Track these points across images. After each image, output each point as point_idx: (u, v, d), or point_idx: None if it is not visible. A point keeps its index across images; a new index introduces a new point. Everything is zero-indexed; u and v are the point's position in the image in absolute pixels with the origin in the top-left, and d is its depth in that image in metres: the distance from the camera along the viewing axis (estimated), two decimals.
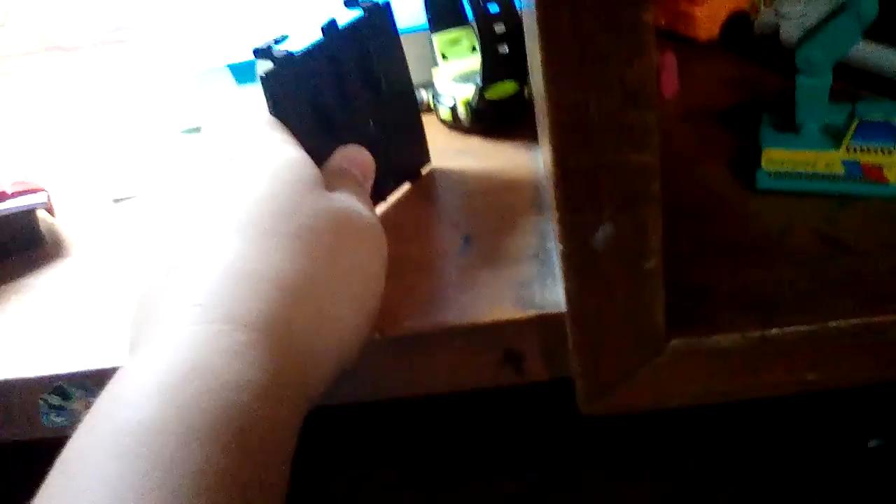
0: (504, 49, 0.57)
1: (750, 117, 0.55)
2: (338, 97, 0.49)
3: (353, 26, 0.49)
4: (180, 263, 0.39)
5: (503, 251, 0.48)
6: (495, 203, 0.53)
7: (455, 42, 0.64)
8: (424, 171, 0.57)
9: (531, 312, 0.44)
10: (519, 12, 0.56)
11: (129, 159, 0.65)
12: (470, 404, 0.69)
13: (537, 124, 0.55)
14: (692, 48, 0.67)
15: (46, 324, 0.49)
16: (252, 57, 0.46)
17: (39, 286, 0.53)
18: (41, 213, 0.56)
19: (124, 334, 0.39)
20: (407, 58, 0.54)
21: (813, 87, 0.49)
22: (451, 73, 0.62)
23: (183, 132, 0.66)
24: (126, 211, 0.59)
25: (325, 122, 0.48)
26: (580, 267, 0.39)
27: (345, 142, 0.49)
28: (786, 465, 0.70)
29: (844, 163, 0.48)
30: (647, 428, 0.70)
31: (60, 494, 0.31)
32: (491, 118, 0.59)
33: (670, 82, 0.61)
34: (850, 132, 0.48)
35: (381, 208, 0.53)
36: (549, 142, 0.36)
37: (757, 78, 0.63)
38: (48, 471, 0.32)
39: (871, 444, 0.70)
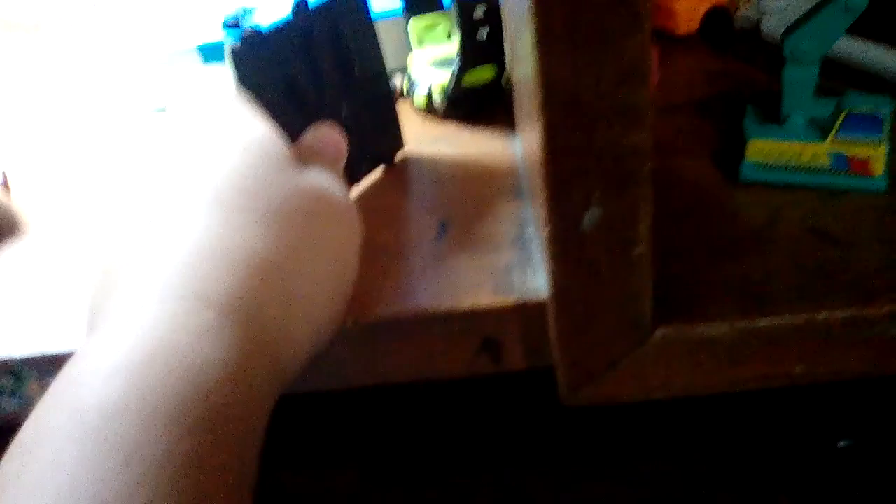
0: (482, 35, 0.56)
1: (732, 110, 0.54)
2: (309, 76, 0.47)
3: (326, 6, 0.48)
4: (145, 239, 0.37)
5: (481, 238, 0.47)
6: (472, 190, 0.51)
7: (431, 27, 0.62)
8: (398, 155, 0.55)
9: (510, 299, 0.42)
10: None
11: (98, 137, 0.62)
12: (442, 395, 0.67)
13: (515, 110, 0.53)
14: (671, 42, 0.67)
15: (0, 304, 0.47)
16: (220, 37, 0.44)
17: None
18: None
19: (82, 316, 0.37)
20: (382, 43, 0.52)
21: (800, 77, 0.48)
22: (426, 58, 0.61)
23: (157, 111, 0.64)
24: (87, 188, 0.57)
25: (295, 100, 0.47)
26: (566, 251, 0.37)
27: (316, 119, 0.47)
28: (753, 464, 0.70)
29: (830, 155, 0.47)
30: (625, 421, 0.69)
31: (15, 481, 0.29)
32: (467, 104, 0.58)
33: (652, 74, 0.60)
34: (837, 124, 0.47)
35: (354, 192, 0.52)
36: (538, 121, 0.34)
37: (737, 71, 0.62)
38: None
39: (841, 444, 0.70)
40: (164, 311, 0.33)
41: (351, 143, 0.47)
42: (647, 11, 0.32)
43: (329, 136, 0.46)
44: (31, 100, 0.68)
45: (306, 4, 0.46)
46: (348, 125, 0.49)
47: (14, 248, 0.52)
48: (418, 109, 0.61)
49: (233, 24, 0.44)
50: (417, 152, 0.56)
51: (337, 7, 0.48)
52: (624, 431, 0.69)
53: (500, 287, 0.43)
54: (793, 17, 0.58)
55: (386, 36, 0.53)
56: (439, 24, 0.62)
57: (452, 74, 0.57)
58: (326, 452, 0.70)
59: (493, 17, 0.55)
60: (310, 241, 0.39)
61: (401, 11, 0.62)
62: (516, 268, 0.44)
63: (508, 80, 0.57)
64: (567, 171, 0.35)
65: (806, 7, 0.55)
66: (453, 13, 0.55)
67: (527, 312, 0.42)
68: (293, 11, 0.46)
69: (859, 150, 0.47)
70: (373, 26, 0.51)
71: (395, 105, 0.54)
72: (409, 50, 0.63)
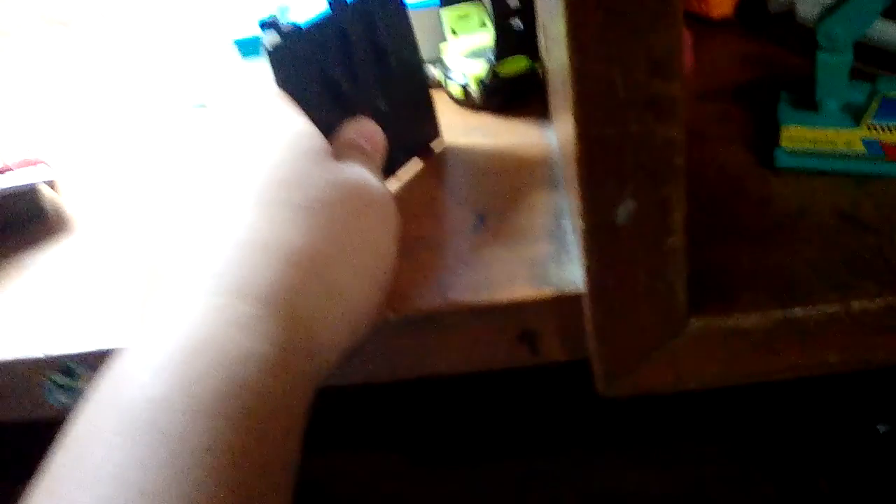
0: (517, 24, 0.56)
1: (766, 95, 0.54)
2: (345, 71, 0.48)
3: (362, 0, 0.48)
4: (190, 235, 0.38)
5: (517, 229, 0.47)
6: (508, 181, 0.52)
7: (464, 17, 0.63)
8: (434, 145, 0.56)
9: (547, 291, 0.43)
10: None
11: (140, 132, 0.63)
12: (476, 386, 0.68)
13: (550, 100, 0.54)
14: (706, 26, 0.66)
15: (51, 302, 0.48)
16: (257, 31, 0.45)
17: (42, 263, 0.52)
18: (44, 188, 0.55)
19: (130, 312, 0.38)
20: (418, 33, 0.52)
21: (834, 63, 0.48)
22: (461, 49, 0.61)
23: (195, 107, 0.65)
24: (132, 185, 0.58)
25: (333, 95, 0.47)
26: (601, 243, 0.38)
27: (353, 115, 0.48)
28: (794, 449, 0.70)
29: (865, 141, 0.47)
30: (654, 412, 0.69)
31: (66, 473, 0.30)
32: (503, 95, 0.58)
33: (685, 59, 0.60)
34: (871, 110, 0.47)
35: (391, 185, 0.52)
36: (572, 114, 0.35)
37: (772, 56, 0.61)
38: (50, 449, 0.31)
39: (881, 428, 0.70)
40: (208, 307, 0.34)
41: (388, 136, 0.48)
42: (680, 3, 0.32)
43: (367, 129, 0.47)
44: (72, 96, 0.69)
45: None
46: (385, 118, 0.49)
47: (64, 245, 0.53)
48: (454, 100, 0.61)
49: (270, 23, 0.44)
50: (454, 143, 0.56)
51: (372, 0, 0.49)
52: (660, 419, 0.69)
53: (537, 279, 0.43)
54: (826, 2, 0.58)
55: (420, 26, 0.54)
56: (473, 14, 0.62)
57: (488, 64, 0.57)
58: (370, 437, 0.72)
59: (528, 7, 0.55)
60: (348, 233, 0.39)
61: (435, 1, 0.63)
62: (553, 259, 0.45)
63: (542, 70, 0.57)
64: (601, 164, 0.36)
65: None
66: (487, 3, 0.55)
67: (564, 303, 0.43)
68: (330, 6, 0.47)
69: (894, 136, 0.47)
70: (408, 18, 0.52)
71: (430, 96, 0.55)
72: (443, 40, 0.63)
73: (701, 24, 0.66)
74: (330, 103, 0.47)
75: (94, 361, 0.44)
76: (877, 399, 0.70)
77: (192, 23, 0.69)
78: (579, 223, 0.38)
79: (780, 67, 0.59)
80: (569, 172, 0.40)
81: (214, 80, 0.65)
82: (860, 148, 0.48)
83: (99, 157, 0.62)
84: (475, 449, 0.70)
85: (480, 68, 0.58)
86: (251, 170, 0.40)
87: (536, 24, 0.56)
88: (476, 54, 0.60)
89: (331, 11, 0.47)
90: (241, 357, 0.33)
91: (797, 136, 0.48)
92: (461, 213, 0.50)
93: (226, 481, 0.30)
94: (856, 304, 0.40)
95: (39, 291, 0.49)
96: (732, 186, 0.49)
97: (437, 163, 0.55)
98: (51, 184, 0.55)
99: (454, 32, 0.63)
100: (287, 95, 0.44)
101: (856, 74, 0.48)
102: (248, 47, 0.64)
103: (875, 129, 0.47)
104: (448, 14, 0.62)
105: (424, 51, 0.54)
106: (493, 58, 0.57)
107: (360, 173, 0.42)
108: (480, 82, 0.58)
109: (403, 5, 0.51)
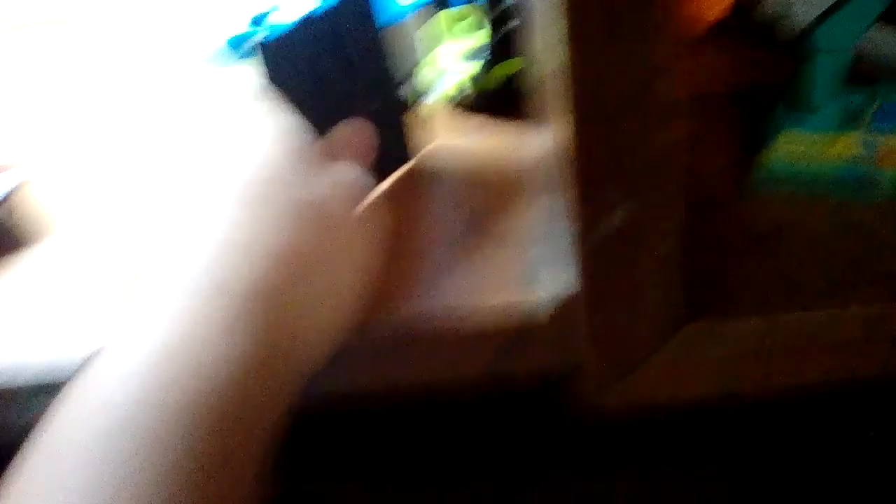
0: (512, 27, 0.56)
1: (762, 100, 0.54)
2: (339, 71, 0.47)
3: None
4: (171, 234, 0.38)
5: (508, 232, 0.47)
6: (501, 183, 0.51)
7: (460, 19, 0.62)
8: (422, 152, 0.55)
9: (538, 296, 0.42)
10: None
11: (122, 131, 0.63)
12: (446, 410, 0.67)
13: (545, 102, 0.53)
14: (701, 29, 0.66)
15: (34, 305, 0.47)
16: (247, 29, 0.44)
17: (18, 267, 0.51)
18: (18, 193, 0.54)
19: (109, 315, 0.37)
20: (413, 35, 0.52)
21: (831, 68, 0.48)
22: (456, 50, 0.61)
23: (184, 104, 0.64)
24: (111, 185, 0.57)
25: (325, 95, 0.47)
26: (595, 248, 0.37)
27: (344, 117, 0.47)
28: (784, 472, 0.69)
29: (862, 146, 0.47)
30: (624, 426, 0.69)
31: (39, 477, 0.30)
32: (496, 97, 0.58)
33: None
34: (869, 115, 0.47)
35: (383, 187, 0.52)
36: (568, 118, 0.34)
37: (768, 60, 0.61)
38: (22, 451, 0.31)
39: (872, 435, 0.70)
40: (187, 306, 0.34)
41: (381, 139, 0.48)
42: (678, 8, 0.32)
43: (358, 132, 0.47)
44: (57, 95, 0.68)
45: None
46: (379, 121, 0.49)
47: (39, 250, 0.52)
48: (449, 101, 0.61)
49: (263, 19, 0.44)
50: (447, 146, 0.56)
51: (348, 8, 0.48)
52: (633, 442, 0.68)
53: (528, 283, 0.43)
54: (822, 5, 0.58)
55: (416, 28, 0.53)
56: (468, 16, 0.62)
57: (482, 67, 0.57)
58: (335, 463, 0.71)
59: (524, 9, 0.55)
60: (332, 235, 0.39)
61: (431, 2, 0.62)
62: (544, 263, 0.44)
63: (538, 73, 0.57)
64: (597, 167, 0.35)
65: None
66: (483, 5, 0.55)
67: (555, 308, 0.42)
68: (322, 3, 0.46)
69: (891, 142, 0.46)
70: (400, 20, 0.51)
71: (418, 104, 0.54)
72: (439, 42, 0.63)
73: (697, 27, 0.66)
74: (322, 104, 0.47)
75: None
76: (867, 409, 0.70)
77: (181, 21, 0.68)
78: (574, 226, 0.37)
79: (776, 72, 0.59)
80: (563, 176, 0.40)
81: (204, 78, 0.64)
82: (857, 153, 0.47)
83: (79, 156, 0.61)
84: (443, 471, 0.69)
85: (475, 70, 0.58)
86: (238, 169, 0.39)
87: (532, 26, 0.56)
88: (471, 56, 0.59)
89: (321, 10, 0.46)
90: (220, 358, 0.32)
91: (794, 141, 0.48)
92: (452, 217, 0.49)
93: (201, 483, 0.30)
94: (852, 311, 0.40)
95: (16, 296, 0.48)
96: (729, 193, 0.48)
97: (430, 164, 0.55)
98: (24, 186, 0.54)
99: (450, 34, 0.62)
100: (278, 94, 0.44)
101: (854, 79, 0.48)
102: (239, 45, 0.64)
103: (872, 134, 0.47)
104: (444, 15, 0.62)
105: (417, 54, 0.53)
106: (488, 60, 0.57)
107: (349, 176, 0.42)
108: (473, 84, 0.58)
109: (375, 18, 0.50)
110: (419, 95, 0.55)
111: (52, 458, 0.30)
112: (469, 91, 0.58)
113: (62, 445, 0.30)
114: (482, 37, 0.57)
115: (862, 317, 0.40)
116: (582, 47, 0.32)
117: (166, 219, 0.39)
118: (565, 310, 0.42)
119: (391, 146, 0.51)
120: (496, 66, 0.57)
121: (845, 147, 0.47)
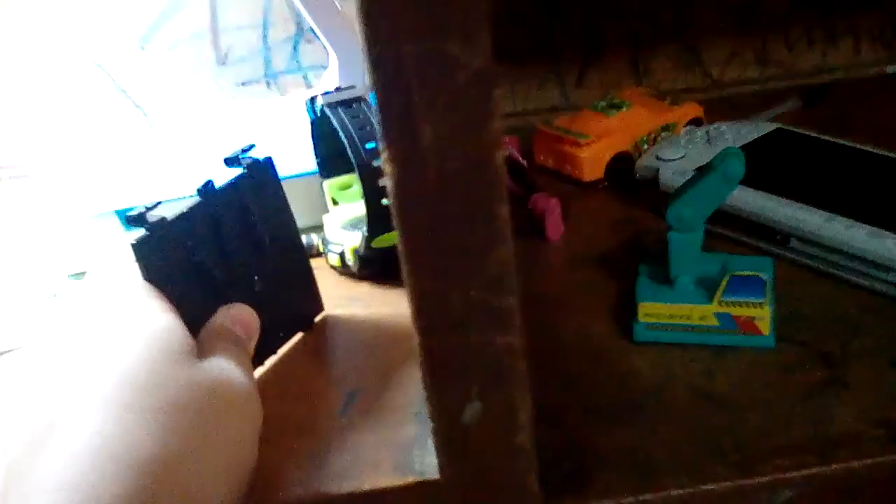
0: (388, 201, 0.58)
1: (630, 264, 0.56)
2: (217, 257, 0.48)
3: (233, 185, 0.49)
4: (41, 440, 0.37)
5: (385, 409, 0.48)
6: (381, 355, 0.53)
7: (345, 187, 0.64)
8: (318, 319, 0.57)
9: (410, 479, 0.43)
10: None
11: (13, 305, 0.63)
12: None
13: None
14: (579, 188, 0.69)
15: None
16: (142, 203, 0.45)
17: None
18: None
19: None
20: (299, 202, 0.54)
21: (685, 242, 0.50)
22: (341, 218, 0.63)
23: (69, 277, 0.65)
24: None
25: (205, 283, 0.48)
26: (451, 442, 0.39)
27: (228, 301, 0.48)
28: None
29: (718, 316, 0.50)
30: None
31: None
32: (379, 265, 0.60)
33: (555, 226, 0.63)
34: (722, 287, 0.49)
35: (269, 363, 0.53)
36: (414, 325, 0.36)
37: (640, 219, 0.64)
38: None
39: None
40: None
41: (266, 317, 0.49)
42: (509, 225, 0.34)
43: (238, 316, 0.48)
44: None
45: (213, 186, 0.48)
46: (262, 299, 0.50)
47: None
48: (334, 269, 0.62)
49: (136, 217, 0.45)
50: (333, 315, 0.57)
51: (245, 183, 0.50)
52: None
53: (401, 465, 0.44)
54: (686, 168, 0.61)
55: (302, 195, 0.54)
56: (354, 184, 0.64)
57: (362, 237, 0.58)
58: None
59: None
60: (204, 434, 0.40)
61: (317, 171, 0.64)
62: (417, 442, 0.45)
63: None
64: (444, 370, 0.37)
65: (699, 161, 0.57)
66: (359, 180, 0.57)
67: (426, 491, 0.43)
68: (199, 195, 0.48)
69: (745, 311, 0.49)
70: (284, 197, 0.53)
71: (310, 271, 0.56)
72: (326, 210, 0.64)
73: (574, 186, 0.69)
74: (202, 291, 0.47)
75: None
76: None
77: (76, 187, 0.69)
78: (431, 421, 0.39)
79: (647, 232, 0.62)
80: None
81: (93, 250, 0.65)
82: (714, 322, 0.50)
83: None
84: None
85: (357, 239, 0.59)
86: (106, 373, 0.39)
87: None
88: (355, 224, 0.61)
89: (200, 199, 0.48)
90: None
91: (654, 312, 0.51)
92: (333, 392, 0.50)
93: None
94: (706, 487, 0.42)
95: None
96: (593, 360, 0.50)
97: (316, 337, 0.56)
98: None
99: (335, 202, 0.64)
100: (155, 288, 0.45)
101: (711, 236, 0.51)
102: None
103: (726, 304, 0.49)
104: (329, 185, 0.64)
105: (308, 219, 0.55)
106: (369, 230, 0.58)
107: (223, 369, 0.43)
108: (356, 253, 0.59)
109: (278, 185, 0.53)
110: (307, 265, 0.56)
111: None
112: (352, 259, 0.60)
113: None
114: (365, 206, 0.59)
115: (717, 494, 0.42)
116: (417, 267, 0.34)
117: (39, 419, 0.39)
118: (435, 491, 0.43)
119: (277, 321, 0.52)
120: (375, 238, 0.58)
121: (703, 317, 0.50)
